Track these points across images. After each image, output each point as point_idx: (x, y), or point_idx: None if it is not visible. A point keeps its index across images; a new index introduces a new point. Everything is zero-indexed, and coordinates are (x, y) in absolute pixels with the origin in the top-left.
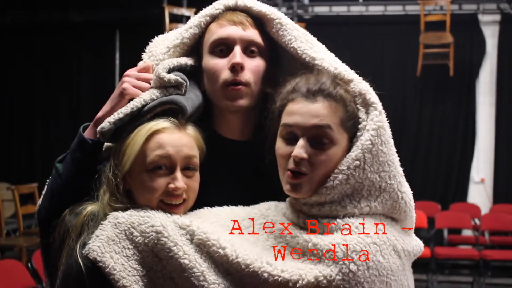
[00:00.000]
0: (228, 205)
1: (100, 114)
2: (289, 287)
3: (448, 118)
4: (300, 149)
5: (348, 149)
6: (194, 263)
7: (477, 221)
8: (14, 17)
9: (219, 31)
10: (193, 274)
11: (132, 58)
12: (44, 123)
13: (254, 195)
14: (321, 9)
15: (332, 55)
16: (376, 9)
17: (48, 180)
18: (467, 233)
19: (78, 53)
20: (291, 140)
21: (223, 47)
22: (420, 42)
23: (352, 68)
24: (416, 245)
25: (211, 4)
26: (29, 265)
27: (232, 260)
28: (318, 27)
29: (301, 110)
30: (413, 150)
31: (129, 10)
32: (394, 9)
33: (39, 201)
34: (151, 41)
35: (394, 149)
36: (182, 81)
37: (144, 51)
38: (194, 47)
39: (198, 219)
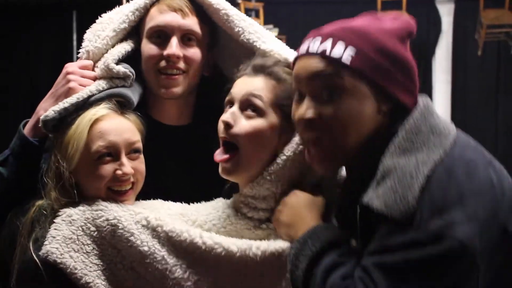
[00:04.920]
0: (174, 190)
1: (42, 112)
2: (247, 257)
3: None
4: (228, 114)
5: (281, 128)
6: (154, 249)
7: None
8: None
9: (158, 17)
10: (154, 259)
11: None
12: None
13: (199, 177)
14: None
15: (279, 42)
16: None
17: None
18: None
19: (34, 35)
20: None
21: (161, 35)
22: None
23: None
24: None
25: None
26: None
27: (190, 240)
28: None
29: (240, 82)
30: None
31: None
32: None
33: None
34: (96, 22)
35: None
36: (130, 74)
37: None
38: (134, 27)
39: (153, 211)
